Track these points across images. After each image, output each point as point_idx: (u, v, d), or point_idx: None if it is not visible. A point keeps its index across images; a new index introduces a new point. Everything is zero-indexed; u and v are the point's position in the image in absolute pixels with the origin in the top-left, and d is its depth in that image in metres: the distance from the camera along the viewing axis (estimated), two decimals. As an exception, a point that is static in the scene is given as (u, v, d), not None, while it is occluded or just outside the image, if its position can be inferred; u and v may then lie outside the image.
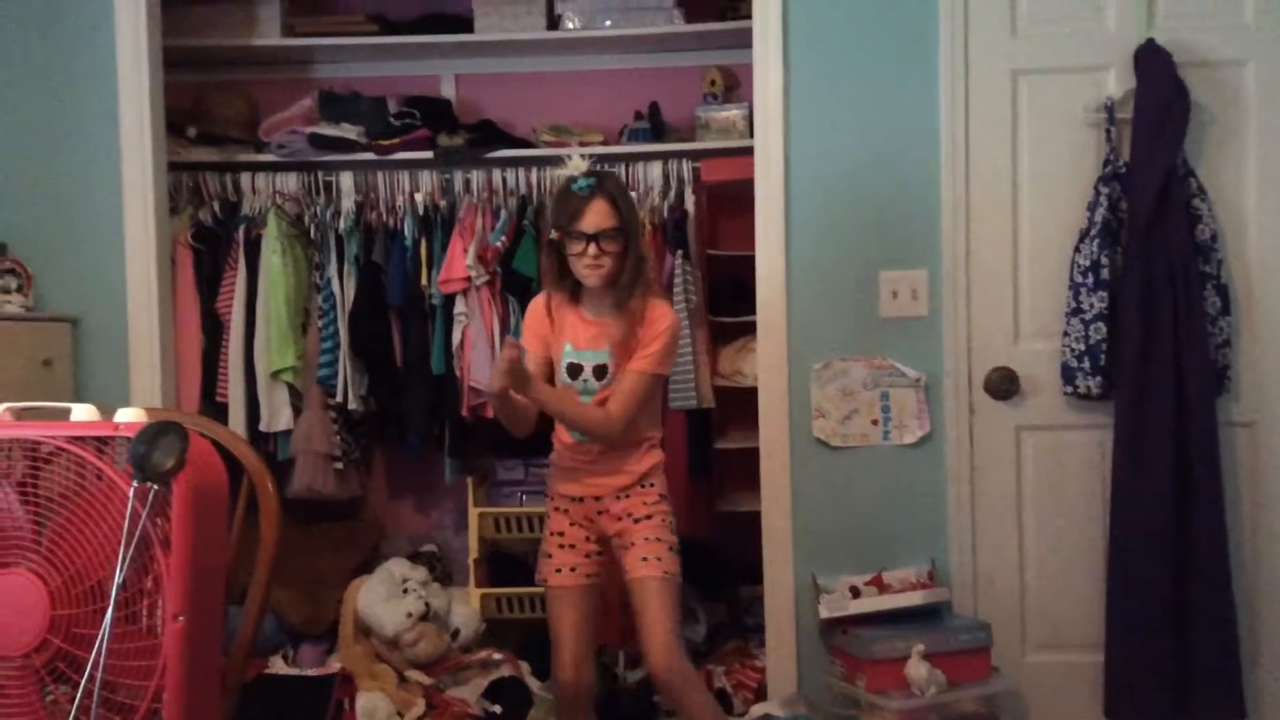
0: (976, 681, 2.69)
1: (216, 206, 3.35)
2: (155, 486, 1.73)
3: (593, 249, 2.26)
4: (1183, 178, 2.76)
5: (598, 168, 2.43)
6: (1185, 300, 2.72)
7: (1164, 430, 2.71)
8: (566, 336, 2.38)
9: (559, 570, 2.42)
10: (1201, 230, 2.76)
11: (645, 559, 2.35)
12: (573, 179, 2.33)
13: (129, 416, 1.81)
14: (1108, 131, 2.80)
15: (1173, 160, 2.73)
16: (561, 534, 2.43)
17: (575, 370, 2.36)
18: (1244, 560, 2.82)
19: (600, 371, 2.35)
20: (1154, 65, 2.76)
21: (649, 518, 2.39)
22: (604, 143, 3.42)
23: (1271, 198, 2.82)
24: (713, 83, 3.45)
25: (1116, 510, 2.78)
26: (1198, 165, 2.79)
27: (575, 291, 2.37)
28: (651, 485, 2.43)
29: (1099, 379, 2.78)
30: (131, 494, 1.72)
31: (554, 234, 2.33)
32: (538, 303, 2.43)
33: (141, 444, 1.72)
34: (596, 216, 2.27)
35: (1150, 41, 2.79)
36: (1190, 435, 2.72)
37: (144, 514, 1.73)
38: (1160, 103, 2.72)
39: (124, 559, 1.71)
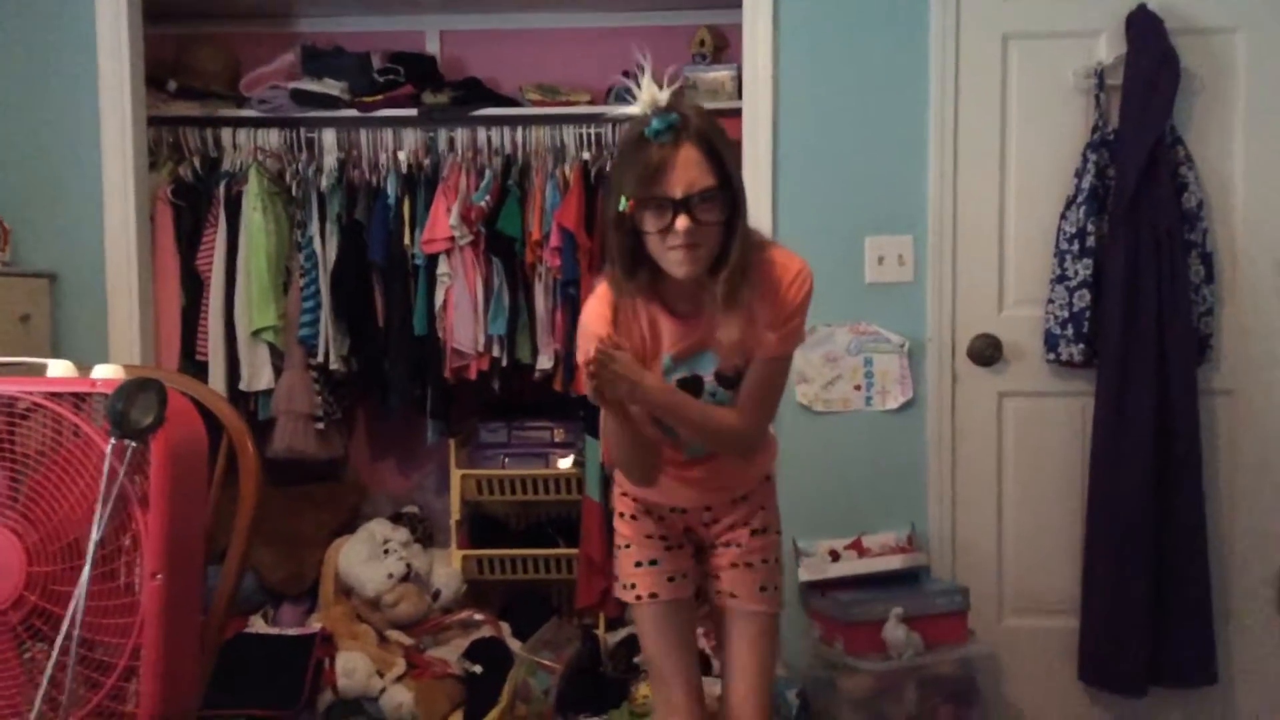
0: (953, 645, 2.71)
1: (197, 162, 3.31)
2: (133, 444, 1.71)
3: (682, 223, 1.60)
4: (1171, 145, 2.75)
5: (676, 101, 1.67)
6: (1170, 268, 2.72)
7: (1145, 398, 2.72)
8: (662, 345, 1.77)
9: (672, 579, 1.90)
10: (1188, 198, 2.76)
11: (764, 589, 1.90)
12: (644, 121, 1.63)
13: (107, 373, 1.79)
14: (1097, 98, 2.79)
15: (1161, 128, 2.72)
16: (664, 537, 1.92)
17: (691, 385, 1.77)
18: (1220, 528, 2.85)
19: (729, 379, 1.78)
20: (1145, 31, 2.74)
21: (765, 531, 1.93)
22: (591, 102, 3.38)
23: (1258, 167, 2.81)
24: (701, 43, 3.40)
25: (1096, 477, 2.80)
26: (1186, 133, 2.78)
27: (653, 281, 1.72)
28: (768, 480, 1.98)
29: (1082, 346, 2.78)
30: (109, 451, 1.70)
31: (623, 204, 1.63)
32: (600, 310, 1.74)
33: (119, 400, 1.70)
34: (687, 172, 1.60)
35: (1142, 6, 2.76)
36: (1171, 403, 2.73)
37: (122, 471, 1.71)
38: (1150, 69, 2.71)
39: (101, 516, 1.70)
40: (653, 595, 1.89)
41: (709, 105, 3.31)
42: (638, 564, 1.92)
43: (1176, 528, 2.75)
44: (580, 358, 1.76)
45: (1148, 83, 2.71)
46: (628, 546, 1.94)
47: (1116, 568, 2.75)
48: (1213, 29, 2.80)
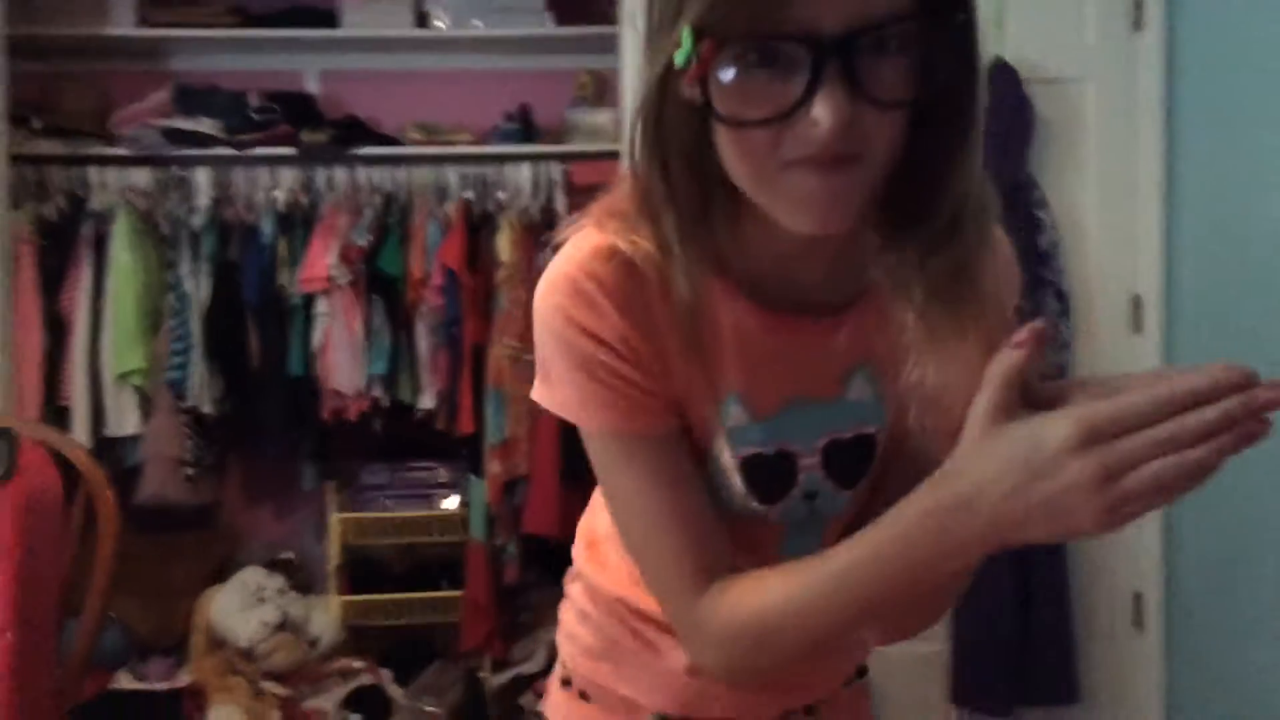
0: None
1: (62, 201, 3.20)
2: (-21, 495, 1.65)
3: (833, 104, 0.68)
4: (1027, 188, 2.89)
5: None
6: (1028, 304, 2.85)
7: (1007, 429, 2.83)
8: (725, 376, 0.84)
9: None
10: (1043, 239, 2.90)
11: None
12: None
13: (-50, 421, 1.72)
14: (958, 143, 2.91)
15: (1017, 172, 2.86)
16: None
17: (773, 469, 0.87)
18: (1081, 549, 2.96)
19: (853, 458, 0.89)
20: (1003, 82, 2.88)
21: None
22: (473, 142, 3.40)
23: (1108, 208, 2.97)
24: (583, 86, 3.45)
25: (965, 506, 2.89)
26: (1041, 177, 2.93)
27: (731, 246, 0.81)
28: (863, 680, 1.07)
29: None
30: (-49, 503, 1.63)
31: (685, 50, 0.70)
32: (599, 285, 0.80)
33: (-37, 450, 1.64)
34: None
35: (1000, 58, 2.90)
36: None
37: (-35, 524, 1.65)
38: (1007, 118, 2.85)
39: (-58, 572, 1.62)
40: None
41: (591, 148, 3.37)
42: None
43: (1039, 550, 2.86)
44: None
45: (1005, 130, 2.85)
46: None
47: (983, 591, 2.85)
48: (1064, 79, 2.96)
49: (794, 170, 0.72)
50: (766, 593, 0.79)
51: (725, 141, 0.74)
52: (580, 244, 0.82)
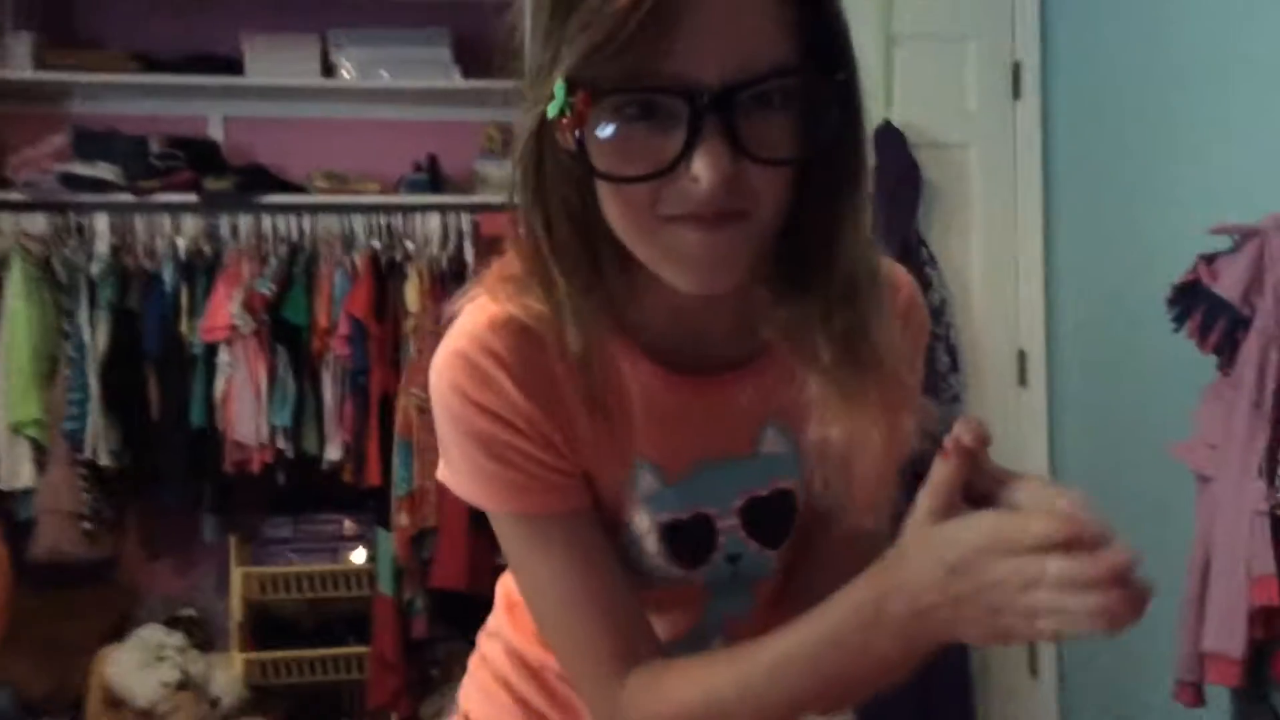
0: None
1: (-47, 247, 3.11)
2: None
3: (712, 159, 0.67)
4: (915, 247, 3.04)
5: None
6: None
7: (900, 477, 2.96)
8: (635, 441, 0.83)
9: None
10: (932, 296, 3.05)
11: None
12: None
13: None
14: (852, 203, 3.05)
15: (906, 232, 3.00)
16: None
17: (691, 534, 0.86)
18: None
19: (774, 516, 0.89)
20: (891, 144, 3.03)
21: None
22: (381, 192, 3.41)
23: (993, 267, 3.14)
24: (490, 139, 3.50)
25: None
26: (929, 236, 3.08)
27: (626, 302, 0.80)
28: None
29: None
30: None
31: (557, 102, 0.68)
32: (504, 357, 0.78)
33: None
34: (730, 25, 0.67)
35: (887, 123, 3.05)
36: (920, 483, 2.97)
37: None
38: (895, 180, 2.99)
39: None
40: None
41: (500, 199, 3.38)
42: None
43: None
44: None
45: (893, 191, 3.00)
46: None
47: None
48: (950, 144, 3.13)
49: (675, 226, 0.71)
50: (693, 685, 0.77)
51: (604, 195, 0.73)
52: (473, 316, 0.80)
